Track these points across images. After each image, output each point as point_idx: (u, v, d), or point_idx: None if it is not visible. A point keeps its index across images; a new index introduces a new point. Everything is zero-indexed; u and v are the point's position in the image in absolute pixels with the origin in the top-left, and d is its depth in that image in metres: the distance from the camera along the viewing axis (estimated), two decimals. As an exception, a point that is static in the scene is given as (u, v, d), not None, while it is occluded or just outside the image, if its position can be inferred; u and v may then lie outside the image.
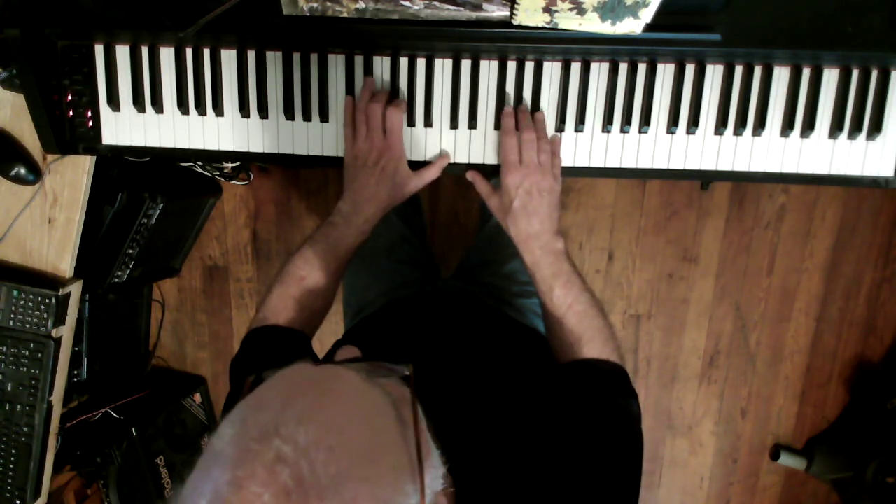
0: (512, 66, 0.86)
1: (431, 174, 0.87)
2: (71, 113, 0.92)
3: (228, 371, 0.76)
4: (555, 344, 0.78)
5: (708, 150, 0.87)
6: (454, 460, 0.46)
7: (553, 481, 0.54)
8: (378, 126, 0.83)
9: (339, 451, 0.35)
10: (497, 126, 0.88)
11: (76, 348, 1.49)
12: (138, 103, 0.91)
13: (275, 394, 0.40)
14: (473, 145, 0.89)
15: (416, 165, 0.90)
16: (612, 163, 0.88)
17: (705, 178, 1.18)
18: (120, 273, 1.50)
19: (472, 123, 0.88)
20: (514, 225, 0.80)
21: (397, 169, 0.84)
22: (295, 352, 0.78)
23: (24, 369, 1.15)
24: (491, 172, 0.88)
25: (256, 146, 0.92)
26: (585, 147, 0.88)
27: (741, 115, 0.85)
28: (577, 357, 0.73)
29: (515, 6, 0.74)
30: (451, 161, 0.89)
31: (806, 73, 0.83)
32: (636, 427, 0.65)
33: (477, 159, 0.89)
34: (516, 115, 0.84)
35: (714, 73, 0.84)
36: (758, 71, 0.84)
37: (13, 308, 1.13)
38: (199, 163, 1.53)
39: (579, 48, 0.82)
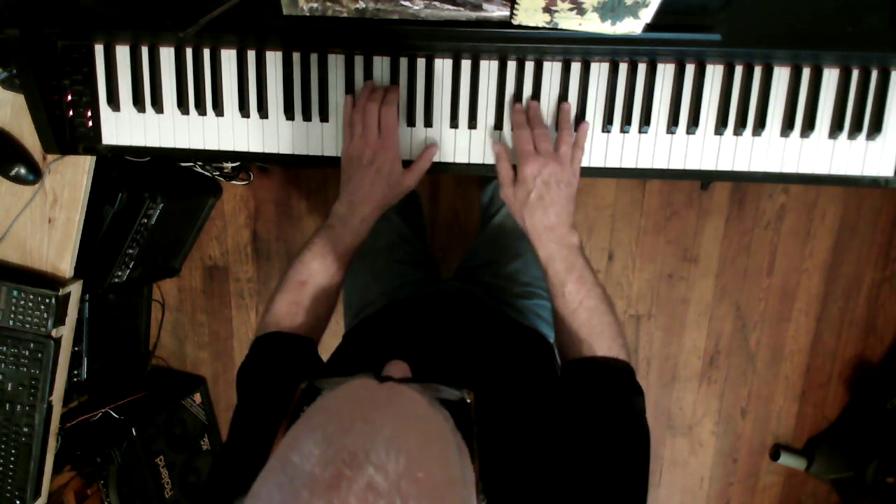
0: (512, 66, 0.86)
1: (422, 167, 0.87)
2: (71, 113, 0.92)
3: (236, 378, 0.74)
4: (562, 339, 0.77)
5: (708, 150, 0.87)
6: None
7: (562, 481, 0.54)
8: (373, 125, 0.82)
9: (425, 484, 0.34)
10: (497, 126, 0.88)
11: (76, 348, 1.49)
12: (138, 103, 0.91)
13: (355, 413, 0.38)
14: (473, 145, 0.89)
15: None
16: (612, 163, 0.88)
17: (705, 178, 1.18)
18: (120, 273, 1.50)
19: (472, 123, 0.88)
20: (529, 217, 0.78)
21: (392, 168, 0.83)
22: (303, 359, 0.77)
23: (24, 369, 1.15)
24: (492, 171, 0.88)
25: (256, 146, 0.92)
26: (585, 147, 0.88)
27: (741, 115, 0.85)
28: (586, 354, 0.73)
29: (515, 6, 0.74)
30: (443, 157, 0.89)
31: (806, 73, 0.83)
32: (643, 424, 0.65)
33: (477, 159, 0.89)
34: (528, 112, 0.83)
35: (714, 73, 0.84)
36: (758, 71, 0.84)
37: (13, 308, 1.13)
38: (199, 163, 1.53)
39: (579, 48, 0.82)
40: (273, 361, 0.75)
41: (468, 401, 0.46)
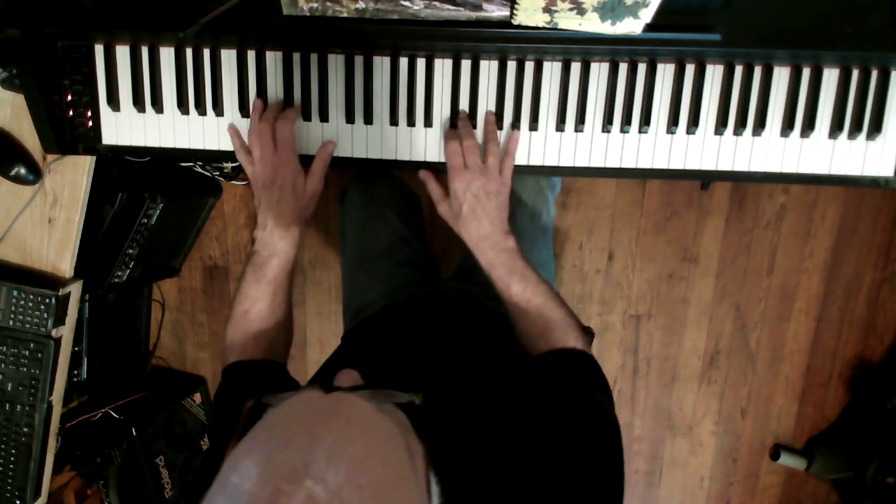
0: (512, 66, 0.86)
1: (319, 167, 0.87)
2: (71, 113, 0.92)
3: (213, 402, 0.78)
4: (521, 339, 0.80)
5: (708, 150, 0.87)
6: (450, 464, 0.45)
7: (540, 478, 0.54)
8: (268, 144, 0.83)
9: (368, 491, 0.34)
10: (497, 126, 0.88)
11: (76, 348, 1.49)
12: (138, 103, 0.91)
13: (296, 427, 0.38)
14: (473, 145, 0.89)
15: (414, 166, 0.91)
16: (612, 163, 0.88)
17: (705, 178, 1.18)
18: (120, 273, 1.50)
19: (473, 123, 0.88)
20: (465, 229, 0.82)
21: (294, 181, 0.84)
22: (270, 380, 0.79)
23: (24, 369, 1.15)
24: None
25: (256, 146, 0.92)
26: (585, 147, 0.88)
27: (741, 115, 0.85)
28: (544, 349, 0.75)
29: (515, 6, 0.74)
30: (444, 157, 0.89)
31: (806, 73, 0.83)
32: (611, 413, 0.66)
33: (477, 159, 0.89)
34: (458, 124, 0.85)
35: (714, 73, 0.84)
36: (758, 71, 0.84)
37: (13, 308, 1.13)
38: (199, 163, 1.53)
39: (579, 48, 0.82)
40: (241, 386, 0.77)
41: (416, 403, 0.47)
